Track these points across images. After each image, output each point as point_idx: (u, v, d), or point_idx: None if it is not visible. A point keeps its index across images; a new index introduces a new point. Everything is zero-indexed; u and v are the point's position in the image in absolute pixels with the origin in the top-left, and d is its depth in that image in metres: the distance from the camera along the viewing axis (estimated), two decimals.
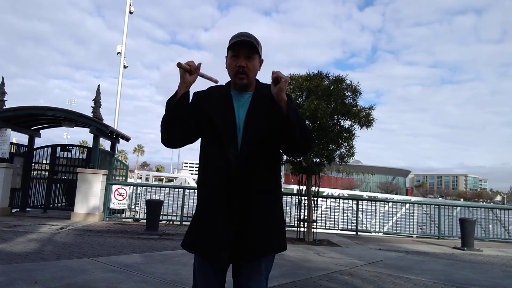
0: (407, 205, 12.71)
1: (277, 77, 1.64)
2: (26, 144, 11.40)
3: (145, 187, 12.54)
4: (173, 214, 10.91)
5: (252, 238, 1.68)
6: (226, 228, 1.67)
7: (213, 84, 1.85)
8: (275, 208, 1.80)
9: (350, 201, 12.80)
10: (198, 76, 1.75)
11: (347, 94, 8.31)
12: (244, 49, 1.75)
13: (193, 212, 1.85)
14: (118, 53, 20.56)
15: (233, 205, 1.68)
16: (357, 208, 11.33)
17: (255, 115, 1.76)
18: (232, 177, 1.69)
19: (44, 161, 11.51)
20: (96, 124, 10.37)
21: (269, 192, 1.78)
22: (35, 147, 11.42)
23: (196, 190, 10.98)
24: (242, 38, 1.74)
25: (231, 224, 1.67)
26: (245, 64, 1.75)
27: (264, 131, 1.73)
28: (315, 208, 8.94)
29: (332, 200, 12.23)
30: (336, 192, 19.26)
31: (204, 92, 1.87)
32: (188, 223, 10.39)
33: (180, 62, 1.68)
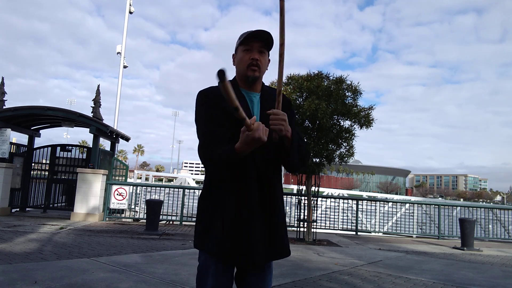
0: (407, 205, 12.71)
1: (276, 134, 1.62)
2: (26, 144, 11.40)
3: (145, 187, 12.54)
4: (173, 214, 10.92)
5: (279, 242, 1.73)
6: (262, 233, 1.69)
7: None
8: (284, 208, 1.88)
9: (350, 201, 12.80)
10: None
11: (347, 94, 8.31)
12: (257, 43, 1.74)
13: (206, 210, 1.76)
14: (118, 53, 20.57)
15: (264, 207, 1.70)
16: (357, 208, 11.33)
17: (267, 117, 1.69)
18: (260, 177, 1.70)
19: (44, 161, 11.51)
20: (96, 124, 10.37)
21: (281, 194, 1.84)
22: (35, 147, 11.42)
23: (195, 190, 10.85)
24: (256, 30, 1.73)
25: (265, 228, 1.70)
26: (258, 57, 1.74)
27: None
28: (315, 208, 8.95)
29: (332, 200, 12.24)
30: (336, 192, 19.27)
31: (211, 91, 1.77)
32: (189, 223, 10.24)
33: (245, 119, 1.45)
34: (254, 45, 1.74)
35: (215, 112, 1.70)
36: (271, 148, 1.69)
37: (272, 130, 1.59)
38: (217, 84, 1.38)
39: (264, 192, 1.71)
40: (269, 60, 1.85)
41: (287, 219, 12.05)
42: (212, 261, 1.70)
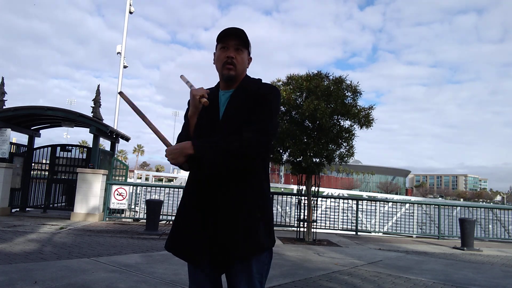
0: (407, 205, 12.71)
1: None
2: (26, 144, 11.40)
3: (145, 187, 12.54)
4: (173, 214, 10.90)
5: (228, 241, 1.62)
6: (204, 230, 1.66)
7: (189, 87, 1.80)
8: (252, 204, 1.67)
9: (350, 201, 12.80)
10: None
11: (347, 94, 8.31)
12: (233, 40, 1.75)
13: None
14: (118, 53, 20.58)
15: (207, 205, 1.67)
16: (357, 208, 11.33)
17: (230, 113, 1.71)
18: (206, 177, 1.69)
19: (44, 161, 11.51)
20: (96, 124, 10.37)
21: (246, 189, 1.67)
22: (35, 147, 11.42)
23: None
24: (231, 28, 1.75)
25: (209, 226, 1.64)
26: (234, 55, 1.73)
27: (238, 124, 1.65)
28: (315, 208, 8.95)
29: (332, 200, 12.23)
30: (336, 192, 19.27)
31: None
32: None
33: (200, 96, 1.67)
34: (230, 43, 1.75)
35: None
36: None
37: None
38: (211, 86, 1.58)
39: (211, 191, 1.66)
40: (250, 59, 1.85)
41: (287, 219, 12.05)
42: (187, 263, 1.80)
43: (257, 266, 1.66)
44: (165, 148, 1.65)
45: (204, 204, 1.67)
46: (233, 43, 1.74)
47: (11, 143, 10.57)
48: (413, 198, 20.54)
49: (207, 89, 1.82)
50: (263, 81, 1.84)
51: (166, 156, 1.62)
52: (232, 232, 1.61)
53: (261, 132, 1.61)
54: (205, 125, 1.72)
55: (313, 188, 8.72)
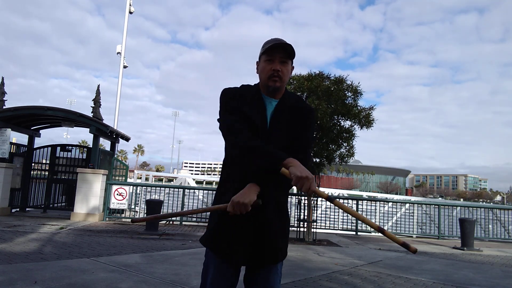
0: (407, 205, 12.71)
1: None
2: (26, 144, 11.39)
3: (145, 187, 12.54)
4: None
5: (267, 247, 1.78)
6: (247, 234, 1.76)
7: None
8: (286, 214, 1.90)
9: (350, 201, 12.80)
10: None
11: (347, 94, 8.31)
12: (279, 53, 1.78)
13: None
14: (118, 53, 20.57)
15: (255, 211, 1.73)
16: (357, 208, 11.34)
17: (277, 124, 1.79)
18: (259, 181, 1.72)
19: (44, 161, 11.50)
20: (96, 124, 10.37)
21: (282, 200, 1.88)
22: (35, 147, 11.41)
23: (195, 190, 10.85)
24: (279, 42, 1.78)
25: (252, 230, 1.76)
26: (279, 68, 1.78)
27: (284, 139, 1.79)
28: (315, 208, 8.95)
29: None
30: (336, 192, 19.27)
31: (236, 91, 1.86)
32: (189, 223, 10.26)
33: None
34: (276, 55, 1.78)
35: (233, 105, 1.82)
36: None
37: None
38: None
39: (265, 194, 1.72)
40: (292, 68, 1.89)
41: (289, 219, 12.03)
42: (212, 256, 1.81)
43: (280, 268, 1.90)
44: (228, 207, 1.65)
45: (253, 211, 1.72)
46: (278, 56, 1.78)
47: (11, 143, 10.56)
48: (413, 198, 20.55)
49: (242, 86, 1.90)
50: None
51: (236, 212, 1.63)
52: (277, 240, 1.81)
53: (305, 160, 1.71)
54: (254, 122, 1.76)
55: None
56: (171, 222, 10.90)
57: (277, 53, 1.77)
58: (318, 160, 8.42)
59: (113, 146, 12.57)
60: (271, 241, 1.77)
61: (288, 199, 11.41)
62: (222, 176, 1.88)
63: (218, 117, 1.84)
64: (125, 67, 20.88)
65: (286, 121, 1.80)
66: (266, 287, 1.81)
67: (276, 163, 1.57)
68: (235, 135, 1.70)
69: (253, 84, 1.91)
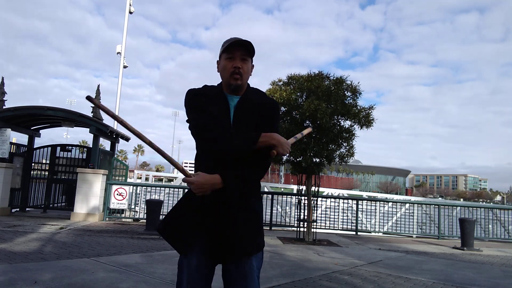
0: (407, 205, 12.71)
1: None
2: (26, 144, 11.39)
3: (145, 187, 12.55)
4: None
5: (232, 239, 1.76)
6: (206, 224, 1.77)
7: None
8: (253, 204, 1.87)
9: (350, 201, 12.81)
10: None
11: (347, 94, 8.31)
12: (239, 51, 1.81)
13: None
14: (118, 53, 20.58)
15: (217, 204, 1.76)
16: (357, 208, 11.33)
17: (241, 120, 1.81)
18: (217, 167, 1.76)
19: (44, 161, 11.51)
20: (96, 124, 10.38)
21: (252, 195, 1.87)
22: (35, 147, 11.42)
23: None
24: (238, 39, 1.80)
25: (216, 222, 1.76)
26: (240, 65, 1.80)
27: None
28: (315, 208, 8.95)
29: (332, 200, 12.24)
30: (336, 192, 19.27)
31: (200, 91, 1.90)
32: None
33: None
34: (236, 53, 1.81)
35: (196, 104, 1.86)
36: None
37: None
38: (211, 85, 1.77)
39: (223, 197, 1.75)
40: (252, 66, 1.92)
41: (287, 219, 12.06)
42: (184, 256, 1.82)
43: (257, 262, 1.84)
44: (184, 177, 1.71)
45: (215, 204, 1.75)
46: (239, 53, 1.81)
47: (11, 143, 10.56)
48: (413, 198, 20.55)
49: (204, 86, 1.92)
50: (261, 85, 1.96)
51: (193, 189, 1.69)
52: (241, 233, 1.78)
53: None
54: (218, 119, 1.79)
55: (313, 188, 8.72)
56: None
57: (237, 50, 1.80)
58: (318, 160, 8.42)
59: (113, 146, 12.58)
60: (235, 234, 1.75)
61: (289, 199, 11.42)
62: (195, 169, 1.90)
63: (187, 118, 1.87)
64: (125, 67, 20.89)
65: (250, 117, 1.82)
66: (242, 283, 1.77)
67: (256, 138, 1.69)
68: (210, 131, 1.75)
69: (216, 84, 1.93)
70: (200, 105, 1.82)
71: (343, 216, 12.14)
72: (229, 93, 1.86)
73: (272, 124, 1.86)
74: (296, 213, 9.35)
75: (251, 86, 1.95)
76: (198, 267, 1.77)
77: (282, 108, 8.34)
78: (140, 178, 21.31)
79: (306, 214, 8.63)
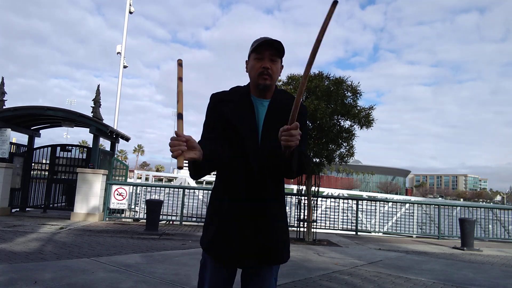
0: (407, 205, 12.71)
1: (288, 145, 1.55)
2: (26, 144, 11.40)
3: (145, 187, 12.55)
4: (173, 214, 10.91)
5: (273, 247, 1.77)
6: (251, 237, 1.73)
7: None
8: (285, 214, 1.89)
9: (350, 201, 12.80)
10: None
11: (347, 94, 8.31)
12: (268, 51, 1.76)
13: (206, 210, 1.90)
14: (118, 53, 20.57)
15: (257, 213, 1.73)
16: (357, 208, 11.33)
17: (272, 124, 1.75)
18: (254, 183, 1.73)
19: (44, 161, 11.50)
20: (96, 124, 10.38)
21: (280, 199, 1.87)
22: (35, 147, 11.42)
23: (195, 190, 10.83)
24: (267, 39, 1.75)
25: (256, 233, 1.73)
26: (269, 65, 1.75)
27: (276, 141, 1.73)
28: (315, 208, 8.95)
29: (332, 200, 12.24)
30: (336, 192, 19.28)
31: (224, 95, 1.84)
32: (189, 223, 10.25)
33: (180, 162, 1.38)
34: (265, 53, 1.76)
35: (214, 115, 1.80)
36: (268, 153, 1.71)
37: (283, 145, 1.54)
38: (229, 88, 1.62)
39: (254, 195, 1.72)
40: (282, 67, 1.86)
41: (287, 219, 12.04)
42: (209, 257, 1.78)
43: (276, 270, 1.87)
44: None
45: (250, 212, 1.73)
46: (268, 54, 1.76)
47: (11, 143, 10.56)
48: (413, 198, 20.55)
49: (231, 89, 1.88)
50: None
51: (283, 139, 1.52)
52: (276, 240, 1.78)
53: (304, 153, 1.75)
54: (244, 131, 1.73)
55: (313, 188, 8.72)
56: (171, 222, 10.91)
57: (266, 50, 1.75)
58: (318, 160, 8.42)
59: (113, 146, 12.57)
60: (276, 241, 1.76)
61: (289, 199, 11.38)
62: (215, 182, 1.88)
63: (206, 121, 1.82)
64: (125, 67, 20.89)
65: (280, 120, 1.72)
66: (260, 286, 1.79)
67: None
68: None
69: (243, 86, 1.88)
70: (219, 116, 1.76)
71: (343, 216, 12.14)
72: (257, 95, 1.81)
73: (302, 128, 1.77)
74: (296, 213, 9.35)
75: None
76: (221, 268, 1.76)
77: None
78: (140, 178, 21.32)
79: (306, 214, 8.63)
